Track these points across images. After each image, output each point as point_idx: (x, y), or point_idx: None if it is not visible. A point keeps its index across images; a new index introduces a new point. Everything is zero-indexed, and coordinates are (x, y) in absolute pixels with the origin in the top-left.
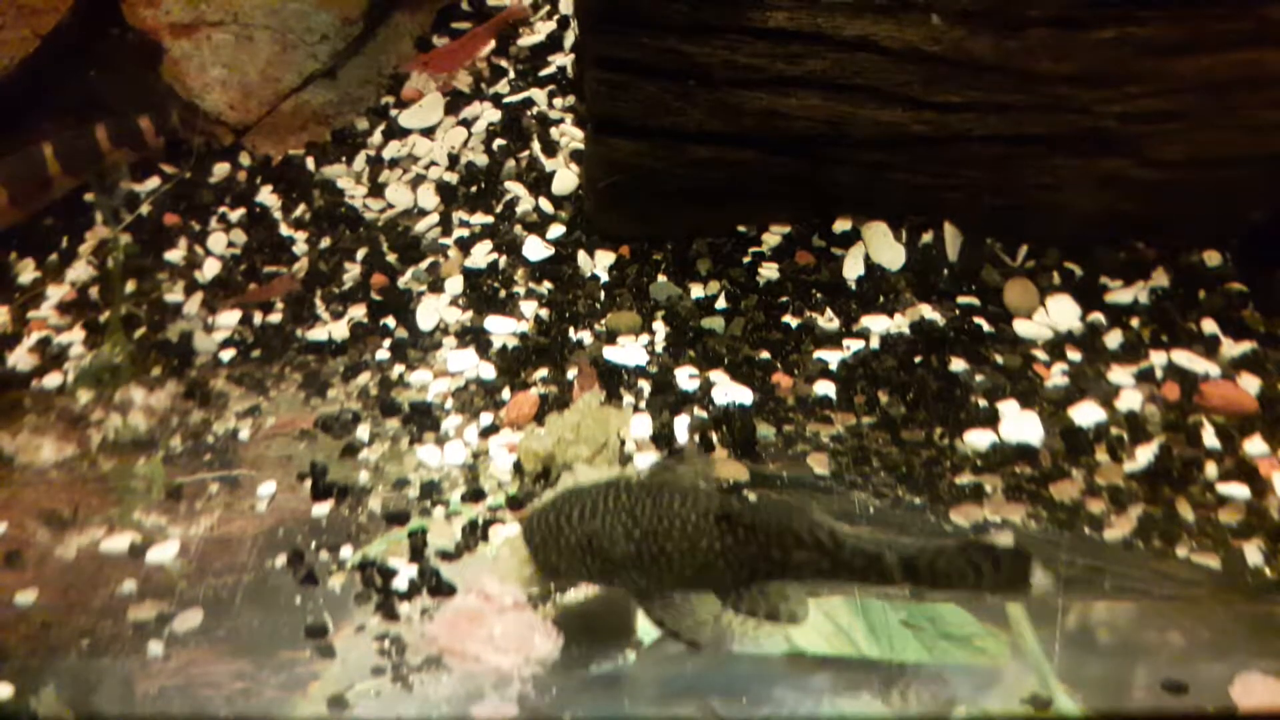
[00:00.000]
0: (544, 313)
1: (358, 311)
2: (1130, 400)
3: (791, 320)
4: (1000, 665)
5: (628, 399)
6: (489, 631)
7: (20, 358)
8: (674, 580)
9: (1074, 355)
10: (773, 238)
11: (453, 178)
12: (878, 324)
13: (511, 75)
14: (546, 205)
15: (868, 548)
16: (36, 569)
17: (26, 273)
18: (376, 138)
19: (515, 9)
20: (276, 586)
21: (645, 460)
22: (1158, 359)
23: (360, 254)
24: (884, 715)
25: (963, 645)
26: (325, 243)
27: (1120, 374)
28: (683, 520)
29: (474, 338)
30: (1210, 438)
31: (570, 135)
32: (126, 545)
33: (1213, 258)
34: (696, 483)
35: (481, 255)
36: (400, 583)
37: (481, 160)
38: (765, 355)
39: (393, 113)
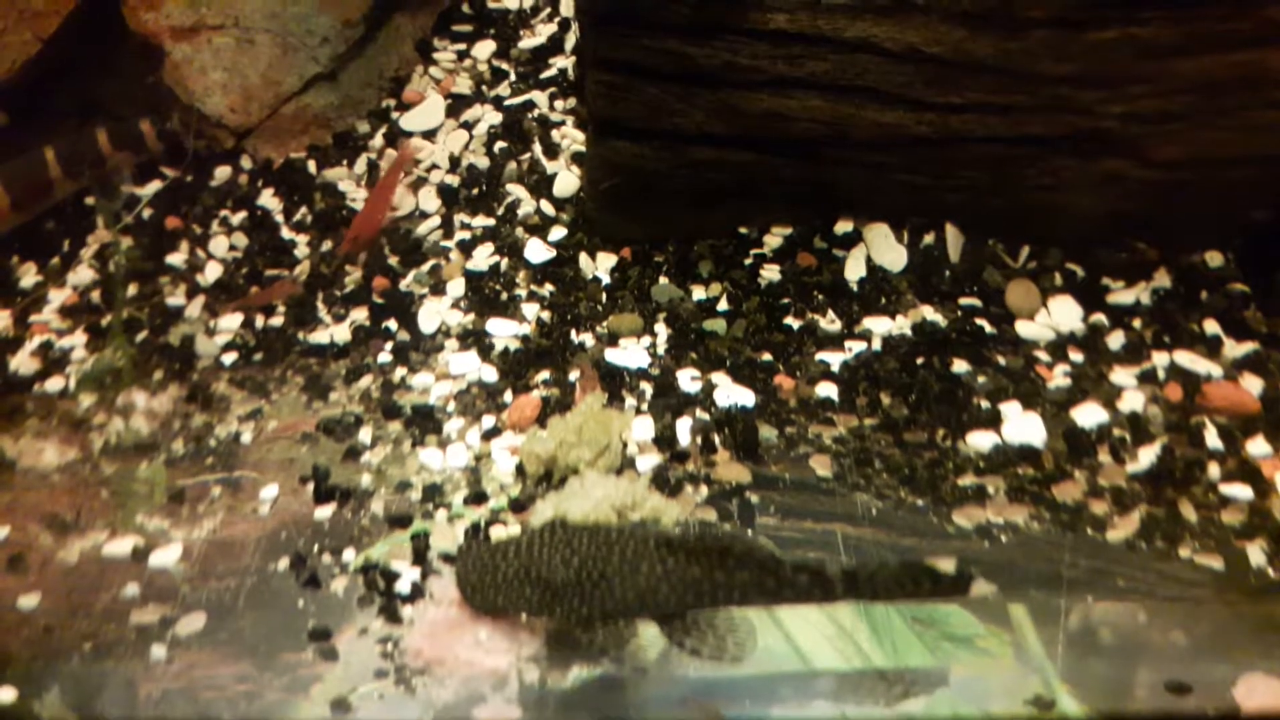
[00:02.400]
0: (546, 315)
1: (359, 314)
2: (1132, 401)
3: (793, 322)
4: (1003, 666)
5: (630, 401)
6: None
7: (22, 362)
8: (617, 606)
9: (1076, 356)
10: (774, 239)
11: (454, 180)
12: (879, 325)
13: (512, 78)
14: (548, 207)
15: (810, 564)
16: (39, 573)
17: (28, 276)
18: (378, 140)
19: (406, 153)
20: (279, 589)
21: (647, 462)
22: (1160, 360)
23: (361, 257)
24: (888, 717)
25: (966, 646)
26: (327, 245)
27: (1122, 375)
28: (622, 547)
29: (476, 340)
30: (1213, 438)
31: (571, 137)
32: (129, 549)
33: (1214, 258)
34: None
35: (483, 258)
36: (403, 585)
37: (483, 163)
38: (767, 357)
39: (394, 115)
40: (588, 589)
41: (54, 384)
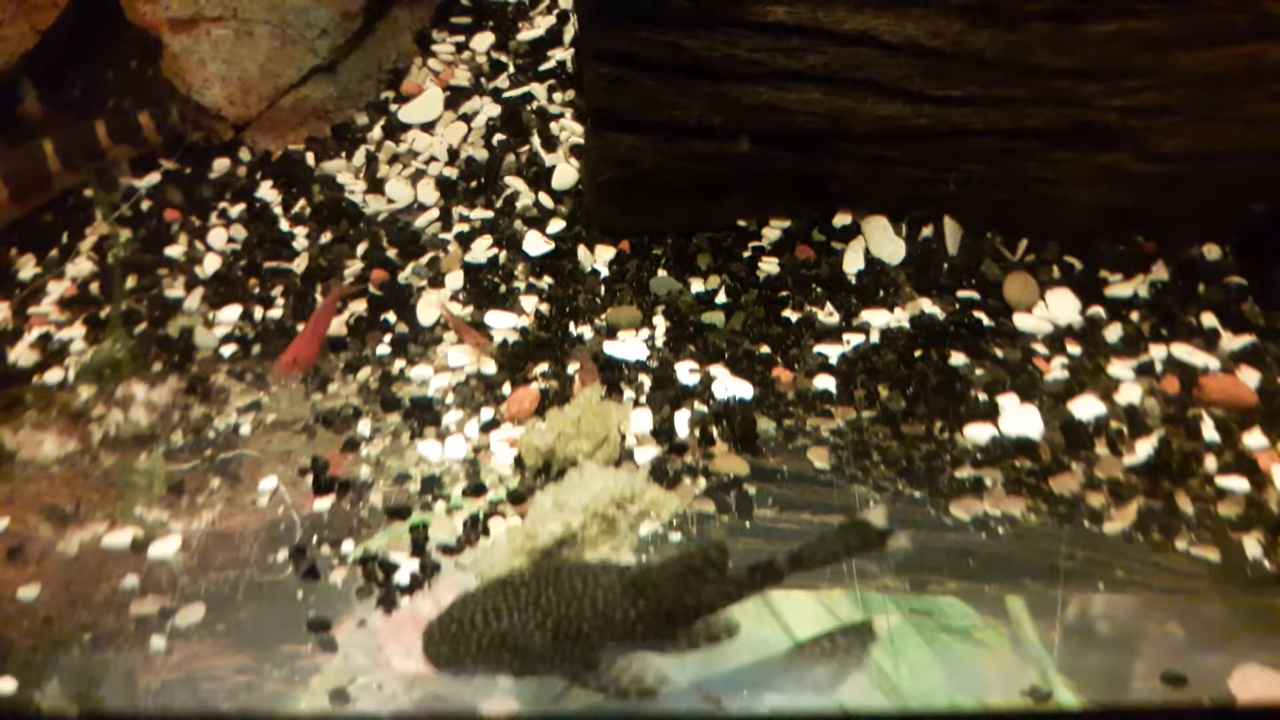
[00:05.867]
0: (544, 308)
1: (358, 306)
2: (1130, 394)
3: (791, 315)
4: (1000, 657)
5: (628, 394)
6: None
7: (21, 353)
8: (598, 656)
9: (1074, 349)
10: (773, 232)
11: (452, 173)
12: (878, 318)
13: (511, 70)
14: (546, 200)
15: (760, 560)
16: (39, 564)
17: (27, 268)
18: (376, 133)
19: (345, 289)
20: (278, 581)
21: (646, 454)
22: (1157, 352)
23: (360, 249)
24: (885, 708)
25: (963, 638)
26: (326, 238)
27: (1120, 367)
28: (592, 599)
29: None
30: (1210, 431)
31: (570, 130)
32: (128, 540)
33: (1212, 251)
34: (584, 560)
35: (481, 250)
36: (402, 577)
37: (481, 155)
38: (765, 350)
39: (392, 108)
40: (567, 648)
41: (53, 376)
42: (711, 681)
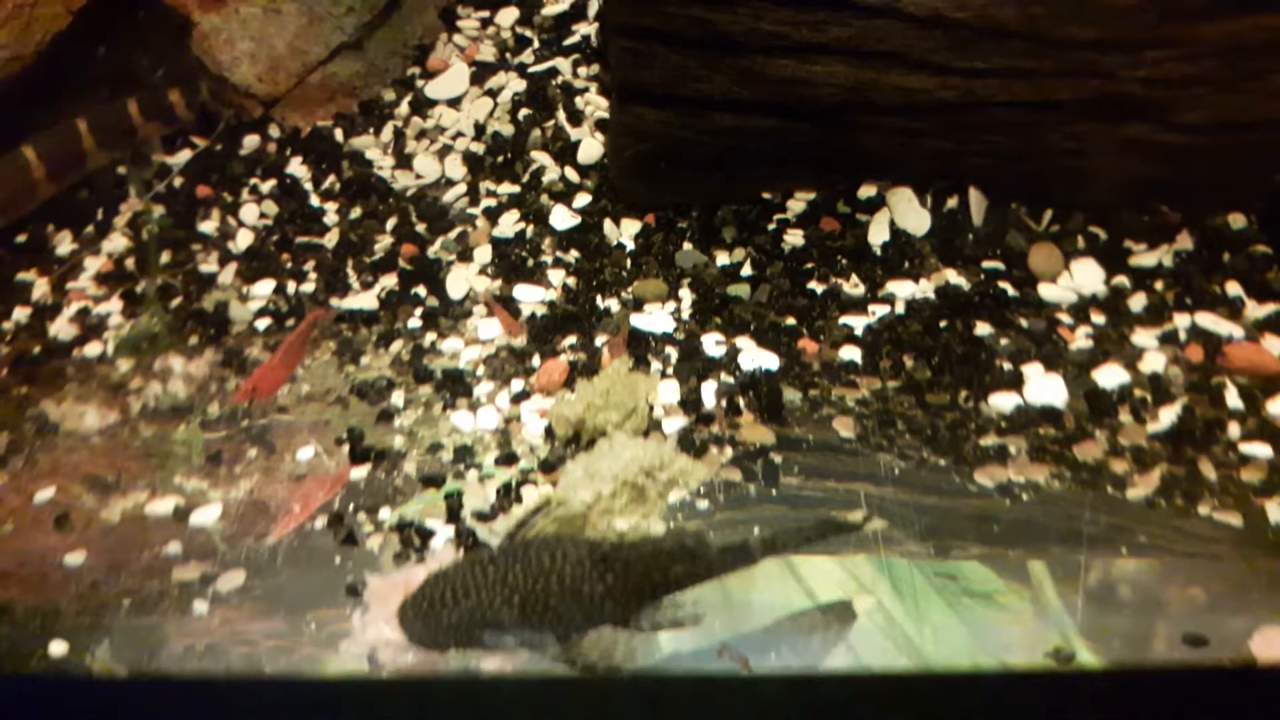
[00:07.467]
0: (571, 281)
1: (389, 281)
2: (1154, 362)
3: (817, 286)
4: (1023, 621)
5: (656, 365)
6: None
7: (61, 327)
8: (566, 629)
9: (1098, 318)
10: (798, 204)
11: (479, 148)
12: (903, 289)
13: (536, 45)
14: (572, 174)
15: (733, 541)
16: (83, 532)
17: (64, 244)
18: (403, 109)
19: (319, 315)
20: (317, 547)
21: (673, 425)
22: (1181, 321)
23: (390, 224)
24: (907, 667)
25: (986, 602)
26: (355, 213)
27: (1144, 336)
28: (559, 574)
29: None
30: (1233, 398)
31: (595, 104)
32: (170, 508)
33: (1237, 220)
34: (559, 534)
35: (509, 225)
36: (438, 542)
37: (507, 130)
38: (791, 321)
39: (419, 84)
40: (535, 622)
41: (92, 349)
42: (738, 642)
